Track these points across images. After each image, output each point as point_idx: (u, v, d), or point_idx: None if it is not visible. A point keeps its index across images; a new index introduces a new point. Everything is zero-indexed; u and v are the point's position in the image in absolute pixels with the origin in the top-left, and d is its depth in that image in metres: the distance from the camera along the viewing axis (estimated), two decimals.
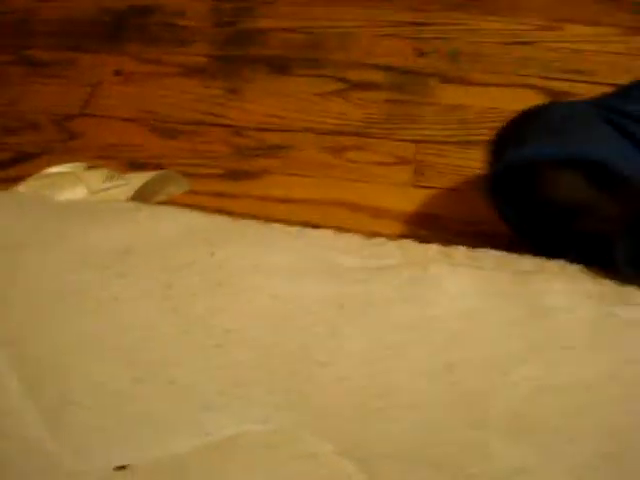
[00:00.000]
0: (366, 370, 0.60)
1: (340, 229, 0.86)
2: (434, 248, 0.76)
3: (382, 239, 0.74)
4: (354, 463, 0.57)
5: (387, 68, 1.29)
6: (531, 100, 1.20)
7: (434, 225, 1.08)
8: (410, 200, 1.12)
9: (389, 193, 1.13)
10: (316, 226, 0.97)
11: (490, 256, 0.75)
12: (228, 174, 1.17)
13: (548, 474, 0.56)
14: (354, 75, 1.27)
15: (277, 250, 0.71)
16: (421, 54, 1.32)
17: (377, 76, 1.28)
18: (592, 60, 1.30)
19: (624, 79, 1.14)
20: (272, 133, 1.21)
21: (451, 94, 1.25)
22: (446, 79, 1.27)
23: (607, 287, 0.68)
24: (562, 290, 0.66)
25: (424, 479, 0.56)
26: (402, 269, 0.68)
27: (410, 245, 0.72)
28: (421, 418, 0.58)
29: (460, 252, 0.77)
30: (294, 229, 0.76)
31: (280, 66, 1.30)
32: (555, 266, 0.73)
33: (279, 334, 0.63)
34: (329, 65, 1.29)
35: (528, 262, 0.75)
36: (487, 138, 1.10)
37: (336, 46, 1.32)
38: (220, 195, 1.14)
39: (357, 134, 1.20)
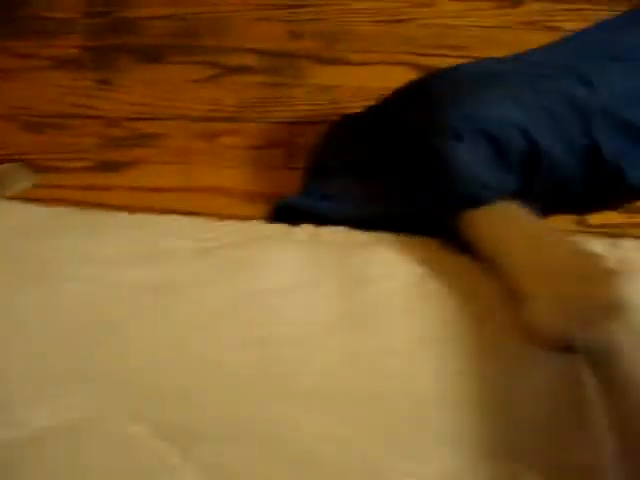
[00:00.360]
0: (179, 352, 0.60)
1: (212, 215, 0.85)
2: (274, 227, 0.76)
3: (225, 221, 0.73)
4: (169, 444, 0.57)
5: (261, 52, 1.28)
6: (404, 77, 1.20)
7: None
8: (282, 182, 1.12)
9: (262, 177, 1.13)
10: (187, 213, 0.96)
11: (332, 231, 0.75)
12: (99, 166, 1.15)
13: (360, 441, 0.56)
14: (227, 60, 1.26)
15: (108, 239, 0.70)
16: (296, 36, 1.31)
17: (251, 60, 1.27)
18: (464, 35, 1.32)
19: (497, 52, 1.15)
20: (144, 122, 1.19)
21: (324, 75, 1.25)
22: (320, 60, 1.27)
23: (432, 254, 0.69)
24: (386, 259, 0.67)
25: (237, 456, 0.56)
26: (233, 248, 0.68)
27: (248, 225, 0.72)
28: (232, 395, 0.58)
29: (304, 230, 0.77)
30: (134, 217, 0.75)
31: (153, 54, 1.28)
32: (388, 237, 0.73)
33: (94, 321, 0.62)
34: (203, 51, 1.28)
35: (365, 235, 0.75)
36: None
37: (210, 32, 1.31)
38: (91, 188, 1.12)
39: (230, 119, 1.19)
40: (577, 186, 0.94)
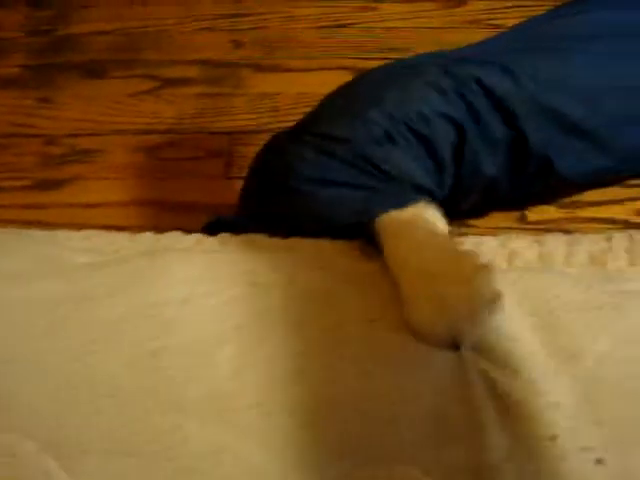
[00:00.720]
0: (70, 366, 0.59)
1: (150, 229, 0.84)
2: (187, 237, 0.75)
3: (123, 234, 0.73)
4: (55, 460, 0.56)
5: (202, 62, 1.28)
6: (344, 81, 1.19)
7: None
8: (220, 192, 1.11)
9: (200, 187, 1.12)
10: (124, 228, 0.96)
11: (238, 240, 0.74)
12: (37, 184, 1.14)
13: (245, 449, 0.55)
14: (167, 72, 1.26)
15: (9, 254, 0.69)
16: (238, 45, 1.31)
17: (191, 71, 1.26)
18: (407, 37, 1.31)
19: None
20: (83, 138, 1.19)
21: (264, 83, 1.24)
22: (260, 68, 1.26)
23: (338, 259, 0.68)
24: (289, 265, 0.66)
25: (123, 469, 0.55)
26: (132, 259, 0.67)
27: (158, 236, 0.71)
28: (120, 408, 0.57)
29: (217, 238, 0.76)
30: (39, 232, 0.74)
31: (93, 70, 1.28)
32: (303, 243, 0.72)
33: None
34: (142, 65, 1.27)
35: (278, 241, 0.74)
36: None
37: (150, 45, 1.30)
38: (29, 207, 1.12)
39: (169, 131, 1.19)
40: (504, 181, 0.93)
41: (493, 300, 0.59)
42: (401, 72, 0.92)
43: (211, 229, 0.83)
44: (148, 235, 0.74)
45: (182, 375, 0.58)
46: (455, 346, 0.61)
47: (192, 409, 0.57)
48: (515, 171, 0.94)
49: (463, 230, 1.01)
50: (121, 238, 0.72)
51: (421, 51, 1.31)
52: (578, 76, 0.94)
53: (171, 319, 0.61)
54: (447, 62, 0.91)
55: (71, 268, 0.67)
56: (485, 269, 0.60)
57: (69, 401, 0.58)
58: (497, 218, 1.06)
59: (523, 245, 0.78)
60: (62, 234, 0.75)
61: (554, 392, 0.59)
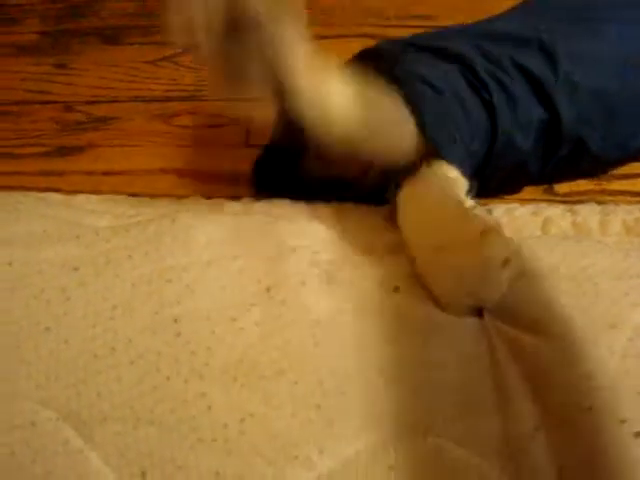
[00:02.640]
0: (90, 332, 0.58)
1: (166, 196, 0.82)
2: (208, 201, 0.73)
3: (143, 198, 0.70)
4: (72, 428, 0.55)
5: None
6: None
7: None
8: (242, 161, 1.08)
9: (220, 156, 1.09)
10: (139, 196, 0.94)
11: (261, 205, 0.72)
12: (55, 151, 1.12)
13: (272, 418, 0.53)
14: None
15: (23, 218, 0.67)
16: None
17: None
18: (431, 3, 1.27)
19: (466, 21, 1.11)
20: (101, 105, 1.16)
21: None
22: None
23: (361, 226, 0.66)
24: (311, 232, 0.64)
25: (144, 438, 0.54)
26: (153, 223, 0.65)
27: (166, 200, 0.69)
28: (141, 375, 0.55)
29: (240, 202, 0.74)
30: (55, 196, 0.72)
31: (111, 37, 1.25)
32: (325, 209, 0.70)
33: (8, 302, 0.60)
34: (161, 31, 1.24)
35: (301, 206, 0.72)
36: None
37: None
38: (47, 174, 1.10)
39: (188, 99, 1.16)
40: (534, 161, 0.91)
41: (503, 263, 0.57)
42: (433, 47, 0.89)
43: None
44: (169, 200, 0.71)
45: (205, 341, 0.56)
46: (479, 312, 0.59)
47: (216, 377, 0.55)
48: (546, 152, 0.91)
49: (489, 201, 0.98)
50: (141, 203, 0.70)
51: (445, 19, 1.27)
52: (613, 49, 0.90)
53: (193, 283, 0.59)
54: (480, 41, 0.88)
55: (90, 231, 0.65)
56: (492, 232, 0.58)
57: (89, 368, 0.56)
58: (524, 190, 1.03)
59: (557, 213, 0.76)
60: (80, 198, 0.73)
61: (590, 361, 0.56)
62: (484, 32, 0.91)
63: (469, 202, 0.70)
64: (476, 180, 0.79)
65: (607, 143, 0.89)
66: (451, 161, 0.71)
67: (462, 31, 0.95)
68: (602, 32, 0.90)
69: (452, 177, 0.69)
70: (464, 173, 0.75)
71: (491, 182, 0.89)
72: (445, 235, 0.62)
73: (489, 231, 0.58)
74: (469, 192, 0.75)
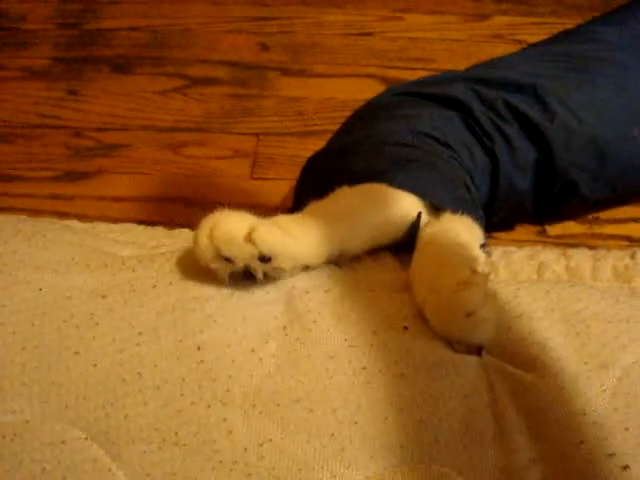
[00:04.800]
0: (118, 357, 0.61)
1: (171, 225, 0.86)
2: None
3: (161, 229, 0.74)
4: (101, 448, 0.58)
5: (230, 63, 1.30)
6: (370, 89, 1.21)
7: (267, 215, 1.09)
8: (247, 192, 1.13)
9: (226, 187, 1.14)
10: (146, 223, 0.97)
11: None
12: (64, 176, 1.16)
13: (289, 443, 0.57)
14: (196, 72, 1.28)
15: (51, 244, 0.71)
16: (264, 48, 1.33)
17: (219, 72, 1.28)
18: (431, 48, 1.34)
19: (463, 64, 1.17)
20: (111, 133, 1.20)
21: (291, 87, 1.26)
22: (287, 72, 1.28)
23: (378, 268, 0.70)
24: (321, 272, 0.68)
25: (169, 459, 0.57)
26: (174, 255, 0.69)
27: (184, 232, 0.73)
28: (166, 400, 0.59)
29: None
30: (78, 224, 0.76)
31: (122, 65, 1.29)
32: None
33: (39, 326, 0.63)
34: (171, 63, 1.29)
35: None
36: (324, 128, 1.12)
37: (179, 44, 1.32)
38: (55, 197, 1.13)
39: (196, 130, 1.21)
40: (530, 199, 0.96)
41: (467, 314, 0.62)
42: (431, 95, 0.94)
43: None
44: (185, 231, 0.75)
45: (227, 369, 0.60)
46: (477, 351, 0.63)
47: (236, 403, 0.58)
48: (540, 192, 0.96)
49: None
50: (159, 233, 0.74)
51: (444, 62, 1.34)
52: (607, 98, 0.96)
53: (215, 313, 0.63)
54: (475, 85, 0.93)
55: (115, 260, 0.68)
56: (466, 284, 0.63)
57: (116, 391, 0.59)
58: (519, 232, 1.08)
59: (551, 258, 0.81)
60: (101, 227, 0.76)
61: (582, 398, 0.61)
62: (479, 77, 0.97)
63: (479, 253, 0.75)
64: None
65: (597, 184, 0.95)
66: (459, 210, 0.76)
67: (459, 76, 1.01)
68: (598, 82, 0.96)
69: (469, 228, 0.73)
70: (478, 220, 0.80)
71: (492, 221, 0.94)
72: (437, 279, 0.67)
73: (464, 283, 0.63)
74: (483, 243, 0.80)
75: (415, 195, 0.77)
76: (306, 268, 0.68)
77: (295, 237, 0.66)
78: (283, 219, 0.69)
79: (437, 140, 0.84)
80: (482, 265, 0.69)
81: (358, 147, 0.87)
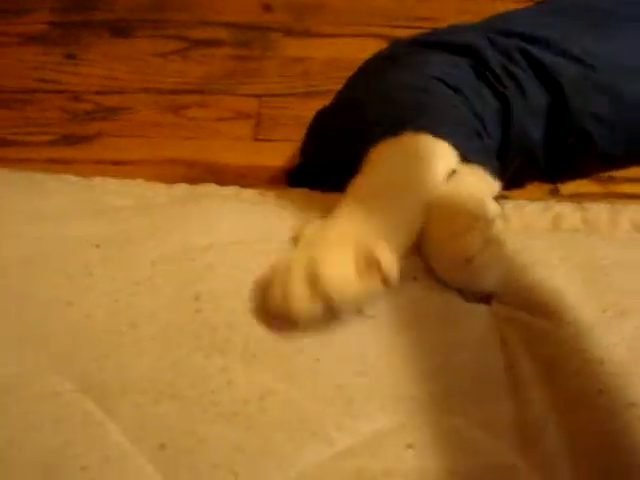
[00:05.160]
0: (112, 307, 0.58)
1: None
2: (223, 188, 0.74)
3: (160, 183, 0.71)
4: (93, 400, 0.55)
5: (232, 25, 1.26)
6: (375, 48, 1.17)
7: (270, 176, 1.06)
8: (249, 153, 1.10)
9: (228, 148, 1.11)
10: None
11: (277, 193, 0.73)
12: (63, 139, 1.13)
13: (293, 395, 0.54)
14: (197, 34, 1.24)
15: (48, 196, 0.68)
16: (267, 9, 1.29)
17: (221, 33, 1.25)
18: (438, 6, 1.30)
19: (470, 22, 1.12)
20: (109, 96, 1.17)
21: (295, 47, 1.23)
22: (291, 33, 1.25)
23: None
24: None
25: (164, 412, 0.54)
26: (174, 204, 0.66)
27: (182, 186, 0.70)
28: (163, 350, 0.56)
29: (252, 190, 0.75)
30: (76, 178, 0.73)
31: (121, 29, 1.26)
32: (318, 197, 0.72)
33: (32, 277, 0.60)
34: (171, 25, 1.26)
35: (318, 195, 0.73)
36: (329, 88, 1.08)
37: (180, 6, 1.29)
38: (54, 161, 1.10)
39: (198, 92, 1.17)
40: (543, 151, 0.92)
41: (466, 261, 0.60)
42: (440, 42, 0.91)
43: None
44: (184, 185, 0.72)
45: (226, 318, 0.57)
46: (486, 300, 0.60)
47: (237, 352, 0.56)
48: (553, 144, 0.93)
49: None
50: (157, 186, 0.71)
51: (449, 20, 1.29)
52: (624, 51, 0.92)
53: (215, 262, 0.60)
54: (489, 33, 0.90)
55: (111, 210, 0.66)
56: (463, 232, 0.61)
57: (111, 343, 0.57)
58: (530, 190, 1.05)
59: (566, 210, 0.77)
60: (99, 180, 0.73)
61: (600, 347, 0.57)
62: (494, 27, 0.93)
63: (493, 206, 0.71)
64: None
65: (614, 138, 0.91)
66: (476, 161, 0.73)
67: (471, 27, 0.97)
68: (617, 36, 0.92)
69: (482, 179, 0.70)
70: (491, 171, 0.76)
71: (504, 175, 0.90)
72: (440, 227, 0.63)
73: (464, 229, 0.60)
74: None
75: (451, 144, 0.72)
76: None
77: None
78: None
79: (447, 85, 0.80)
80: (490, 212, 0.65)
81: (370, 97, 0.83)
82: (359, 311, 0.56)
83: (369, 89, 0.86)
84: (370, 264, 0.53)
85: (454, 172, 0.73)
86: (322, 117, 0.89)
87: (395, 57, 0.91)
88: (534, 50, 0.88)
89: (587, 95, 0.88)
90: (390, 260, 0.54)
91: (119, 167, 1.07)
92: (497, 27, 0.94)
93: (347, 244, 0.54)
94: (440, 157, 0.71)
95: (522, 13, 1.01)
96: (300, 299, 0.53)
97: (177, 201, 0.66)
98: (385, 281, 0.54)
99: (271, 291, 0.54)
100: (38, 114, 1.16)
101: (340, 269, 0.53)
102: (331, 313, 0.54)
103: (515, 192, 1.03)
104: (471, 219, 0.62)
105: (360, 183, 0.64)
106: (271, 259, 0.61)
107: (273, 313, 0.54)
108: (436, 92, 0.82)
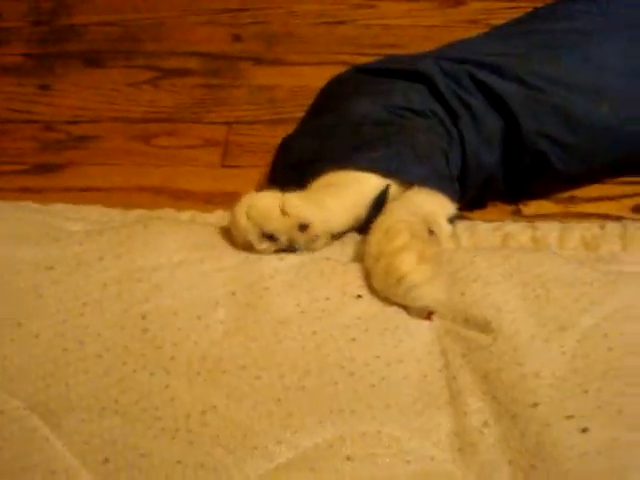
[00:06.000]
0: (60, 327, 0.60)
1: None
2: (168, 211, 0.76)
3: (116, 209, 0.73)
4: (40, 418, 0.56)
5: (202, 55, 1.28)
6: None
7: (236, 202, 1.07)
8: (217, 180, 1.12)
9: (196, 175, 1.12)
10: None
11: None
12: (33, 169, 1.14)
13: (233, 410, 0.55)
14: (167, 64, 1.27)
15: (3, 221, 0.69)
16: (237, 39, 1.31)
17: (191, 63, 1.27)
18: (405, 34, 1.32)
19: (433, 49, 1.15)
20: (81, 125, 1.19)
21: (263, 75, 1.25)
22: (259, 61, 1.27)
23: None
24: None
25: (109, 427, 0.56)
26: (125, 227, 0.68)
27: (140, 211, 0.72)
28: (108, 368, 0.57)
29: (210, 215, 0.77)
30: (33, 204, 0.75)
31: (94, 60, 1.28)
32: None
33: None
34: (143, 56, 1.28)
35: None
36: (295, 115, 1.11)
37: (151, 37, 1.31)
38: (26, 190, 1.11)
39: (167, 120, 1.19)
40: (500, 175, 0.94)
41: (398, 281, 0.64)
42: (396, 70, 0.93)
43: None
44: (142, 211, 0.74)
45: (172, 337, 0.58)
46: (428, 316, 0.62)
47: (181, 370, 0.57)
48: (510, 165, 0.94)
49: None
50: (115, 212, 0.73)
51: (417, 48, 1.31)
52: (572, 73, 0.94)
53: (162, 283, 0.62)
54: (440, 60, 0.92)
55: (65, 235, 0.67)
56: (399, 250, 0.64)
57: (57, 361, 0.58)
58: (491, 212, 1.06)
59: (517, 229, 0.79)
60: (58, 206, 0.75)
61: (538, 360, 0.59)
62: (446, 54, 0.95)
63: (446, 227, 0.74)
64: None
65: (570, 158, 0.93)
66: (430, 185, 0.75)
67: (423, 55, 1.00)
68: (563, 57, 0.94)
69: (434, 201, 0.73)
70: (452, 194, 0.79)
71: (465, 196, 0.92)
72: (379, 245, 0.66)
73: (399, 248, 0.64)
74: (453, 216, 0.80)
75: (379, 174, 0.77)
76: (333, 238, 0.71)
77: (321, 205, 0.69)
78: (303, 194, 0.71)
79: (414, 112, 0.82)
80: (429, 231, 0.67)
81: (333, 130, 0.86)
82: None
83: (333, 120, 0.88)
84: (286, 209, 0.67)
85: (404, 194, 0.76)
86: (289, 145, 0.92)
87: (358, 85, 0.94)
88: (482, 75, 0.91)
89: (538, 116, 0.90)
90: (298, 206, 0.67)
91: (88, 195, 1.08)
92: (449, 54, 0.97)
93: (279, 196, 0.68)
94: (362, 185, 0.77)
95: (474, 40, 1.04)
96: (242, 228, 0.67)
97: (130, 224, 0.68)
98: (301, 227, 0.67)
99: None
100: (10, 144, 1.18)
101: (269, 208, 0.67)
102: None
103: (477, 213, 1.05)
104: (408, 238, 0.64)
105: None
106: (217, 278, 0.62)
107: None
108: (401, 122, 0.84)
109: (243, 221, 0.66)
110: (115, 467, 0.53)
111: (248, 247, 0.67)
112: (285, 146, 0.92)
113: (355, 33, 1.33)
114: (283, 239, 0.67)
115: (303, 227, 0.67)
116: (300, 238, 0.67)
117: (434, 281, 0.62)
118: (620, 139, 0.93)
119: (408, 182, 0.76)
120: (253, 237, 0.66)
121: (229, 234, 0.69)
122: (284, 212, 0.66)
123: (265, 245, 0.67)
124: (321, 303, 0.61)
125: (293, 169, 0.85)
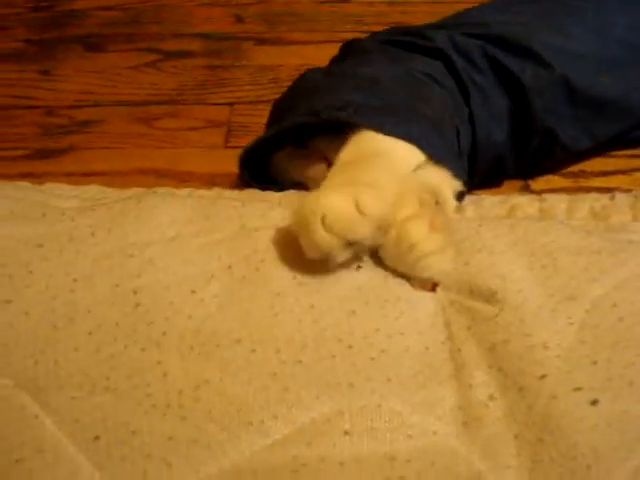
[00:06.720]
0: (50, 304, 0.58)
1: None
2: (164, 189, 0.74)
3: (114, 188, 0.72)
4: (29, 395, 0.55)
5: (204, 36, 1.27)
6: None
7: (240, 183, 1.06)
8: (220, 161, 1.10)
9: (199, 156, 1.11)
10: None
11: (228, 192, 0.73)
12: (35, 154, 1.13)
13: (227, 385, 0.54)
14: (169, 46, 1.25)
15: None
16: (239, 20, 1.30)
17: (193, 44, 1.26)
18: (411, 11, 1.30)
19: None
20: (83, 109, 1.18)
21: (266, 55, 1.23)
22: (262, 41, 1.25)
23: None
24: (269, 213, 0.64)
25: (100, 404, 0.54)
26: (118, 203, 0.66)
27: (136, 189, 0.70)
28: (99, 344, 0.56)
29: (207, 191, 0.75)
30: (26, 183, 0.73)
31: (95, 44, 1.27)
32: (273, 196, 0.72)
33: None
34: (144, 39, 1.27)
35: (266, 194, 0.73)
36: None
37: (152, 20, 1.30)
38: (27, 175, 1.10)
39: (169, 102, 1.18)
40: (509, 153, 0.92)
41: (411, 245, 0.60)
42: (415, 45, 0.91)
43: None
44: (137, 188, 0.72)
45: (164, 312, 0.57)
46: (432, 287, 0.60)
47: (173, 345, 0.55)
48: (519, 143, 0.93)
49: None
50: (108, 189, 0.71)
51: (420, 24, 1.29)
52: (577, 43, 0.92)
53: (155, 257, 0.60)
54: (456, 35, 0.90)
55: (56, 211, 0.65)
56: (409, 218, 0.62)
57: (47, 338, 0.56)
58: (501, 188, 1.04)
59: (524, 201, 0.77)
60: (51, 185, 0.73)
61: (546, 331, 0.56)
62: (458, 26, 0.93)
63: (452, 201, 0.71)
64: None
65: (575, 131, 0.91)
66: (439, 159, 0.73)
67: (436, 26, 0.97)
68: (569, 27, 0.92)
69: (443, 176, 0.70)
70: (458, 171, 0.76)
71: (474, 178, 0.90)
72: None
73: (409, 216, 0.61)
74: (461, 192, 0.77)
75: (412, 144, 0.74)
76: None
77: (384, 196, 0.61)
78: (358, 175, 0.64)
79: (434, 79, 0.80)
80: (438, 201, 0.65)
81: (349, 74, 0.86)
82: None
83: (346, 73, 0.86)
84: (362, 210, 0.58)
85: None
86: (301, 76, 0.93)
87: (371, 50, 0.92)
88: (497, 53, 0.88)
89: (545, 92, 0.88)
90: (375, 205, 0.58)
91: (90, 179, 1.07)
92: (461, 28, 0.94)
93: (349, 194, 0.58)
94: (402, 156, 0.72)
95: (484, 10, 1.01)
96: (324, 243, 0.57)
97: (124, 200, 0.66)
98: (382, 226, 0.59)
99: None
100: (12, 130, 1.17)
101: (348, 214, 0.57)
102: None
103: (485, 190, 1.03)
104: (418, 207, 0.62)
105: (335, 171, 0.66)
106: (212, 252, 0.60)
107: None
108: (416, 83, 0.82)
109: (321, 233, 0.57)
110: (106, 444, 0.51)
111: (324, 258, 0.58)
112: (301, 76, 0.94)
113: (358, 11, 1.31)
114: (368, 243, 0.60)
115: (384, 226, 0.59)
116: (381, 236, 0.60)
117: (444, 251, 0.59)
118: (626, 110, 0.91)
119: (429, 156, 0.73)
120: (337, 250, 0.58)
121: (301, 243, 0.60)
122: (361, 212, 0.57)
123: (347, 253, 0.59)
124: (319, 275, 0.58)
125: (306, 95, 0.85)
